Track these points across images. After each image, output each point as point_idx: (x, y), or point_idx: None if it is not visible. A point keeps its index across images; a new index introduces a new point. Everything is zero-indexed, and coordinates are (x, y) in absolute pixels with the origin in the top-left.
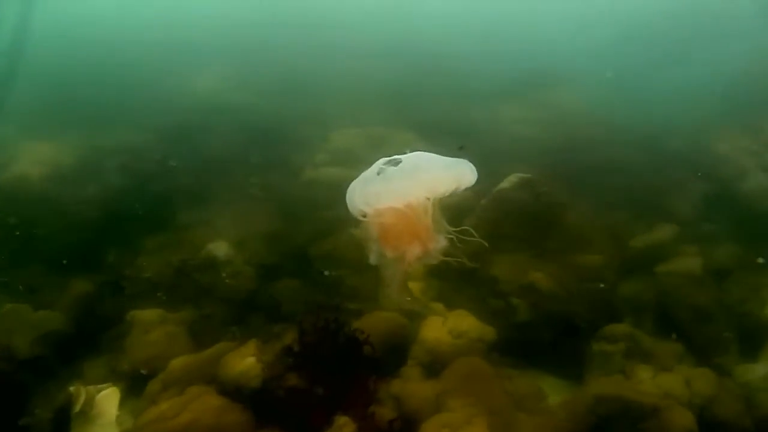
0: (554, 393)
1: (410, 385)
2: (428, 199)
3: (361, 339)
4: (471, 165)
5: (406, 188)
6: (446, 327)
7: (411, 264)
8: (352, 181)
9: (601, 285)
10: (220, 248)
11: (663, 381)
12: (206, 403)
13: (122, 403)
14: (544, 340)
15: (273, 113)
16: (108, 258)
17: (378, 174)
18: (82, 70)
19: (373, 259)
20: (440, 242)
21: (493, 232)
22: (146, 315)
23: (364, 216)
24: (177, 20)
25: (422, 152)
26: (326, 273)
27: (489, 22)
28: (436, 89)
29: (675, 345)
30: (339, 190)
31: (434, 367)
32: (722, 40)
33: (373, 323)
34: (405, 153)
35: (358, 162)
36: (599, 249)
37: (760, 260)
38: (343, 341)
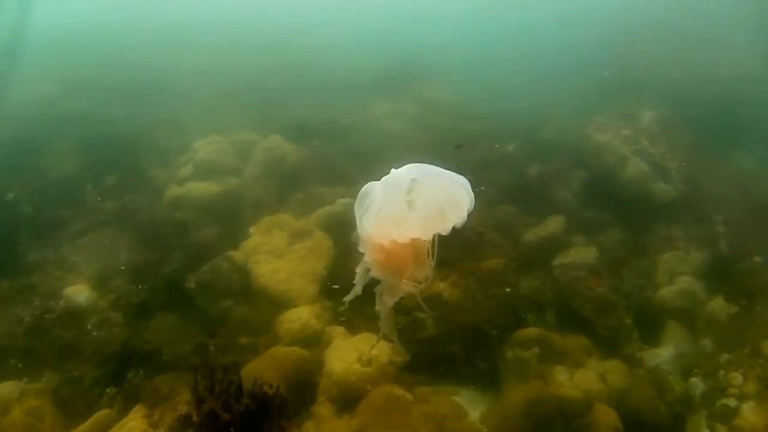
0: (473, 407)
1: (325, 427)
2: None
3: (270, 393)
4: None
5: (426, 223)
6: (354, 354)
7: (402, 293)
8: (230, 195)
9: (507, 289)
10: (80, 293)
11: (580, 380)
12: None
13: None
14: (454, 353)
15: (124, 123)
16: None
17: (399, 199)
18: None
19: (358, 285)
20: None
21: None
22: (0, 390)
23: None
24: None
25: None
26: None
27: (353, 16)
28: (300, 87)
29: (582, 339)
30: (210, 207)
31: (347, 401)
32: (590, 33)
33: (274, 360)
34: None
35: (227, 173)
36: (496, 251)
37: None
38: (248, 401)
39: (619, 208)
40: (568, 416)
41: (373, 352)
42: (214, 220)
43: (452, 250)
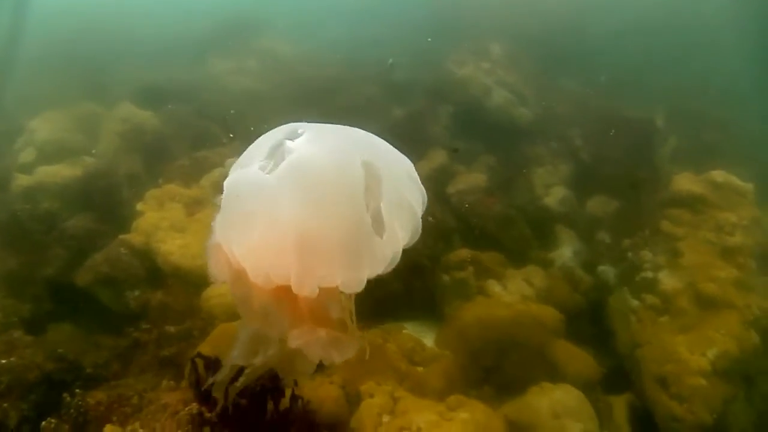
0: (422, 336)
1: (307, 391)
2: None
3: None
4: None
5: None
6: None
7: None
8: (96, 174)
9: (430, 218)
10: None
11: (513, 287)
12: None
13: None
14: (397, 290)
15: None
16: None
17: (352, 210)
18: None
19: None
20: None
21: None
22: None
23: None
24: None
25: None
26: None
27: None
28: (129, 52)
29: (495, 254)
30: (75, 192)
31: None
32: None
33: (229, 338)
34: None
35: (79, 152)
36: None
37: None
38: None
39: (488, 134)
40: (521, 320)
41: None
42: (84, 205)
43: None
